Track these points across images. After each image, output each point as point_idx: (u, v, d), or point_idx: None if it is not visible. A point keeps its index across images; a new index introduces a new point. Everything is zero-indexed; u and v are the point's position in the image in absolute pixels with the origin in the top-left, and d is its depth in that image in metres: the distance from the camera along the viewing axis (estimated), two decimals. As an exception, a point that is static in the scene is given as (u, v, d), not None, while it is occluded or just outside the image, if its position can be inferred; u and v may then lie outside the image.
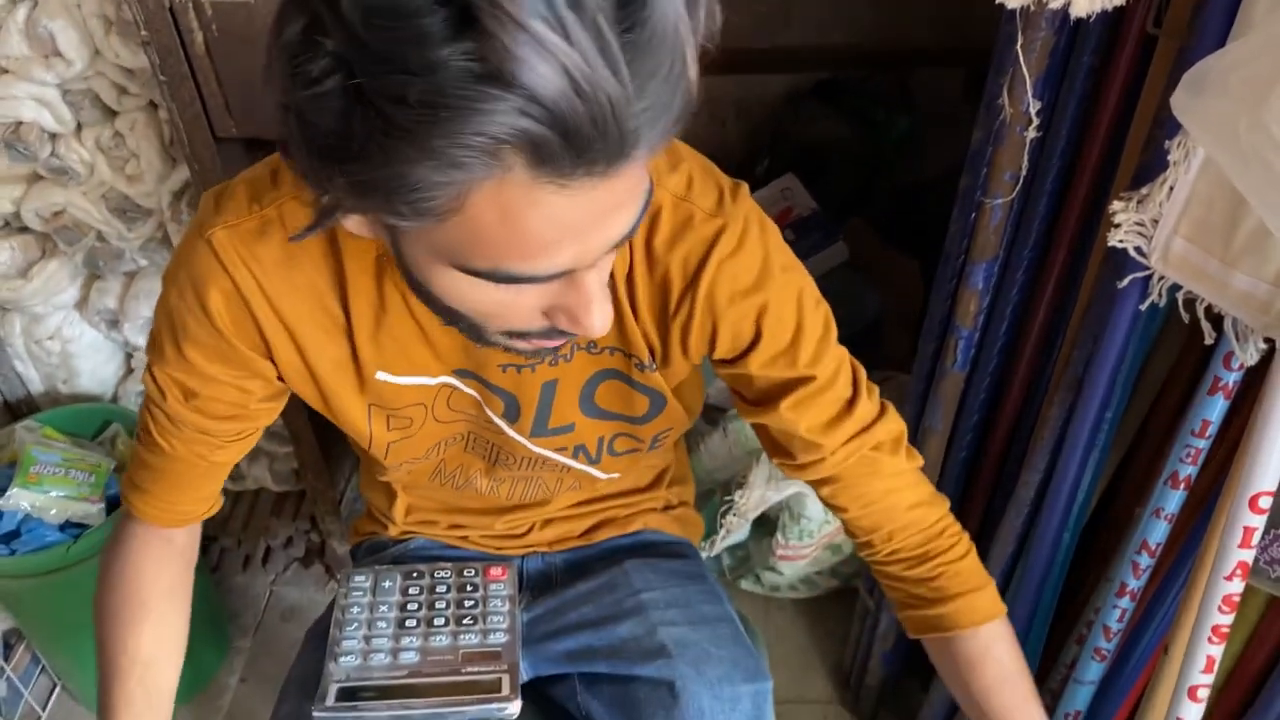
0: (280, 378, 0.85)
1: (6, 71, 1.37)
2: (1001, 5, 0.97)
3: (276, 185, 0.77)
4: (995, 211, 1.12)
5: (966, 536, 0.92)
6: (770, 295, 0.81)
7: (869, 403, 0.87)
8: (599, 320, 0.63)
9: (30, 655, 1.74)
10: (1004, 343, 1.23)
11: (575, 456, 0.97)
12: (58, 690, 1.78)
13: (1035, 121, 1.05)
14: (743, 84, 2.00)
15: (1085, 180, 1.09)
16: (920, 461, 0.91)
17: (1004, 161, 1.09)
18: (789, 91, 2.03)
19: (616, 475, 1.02)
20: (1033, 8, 0.97)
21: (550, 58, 0.45)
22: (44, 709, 1.75)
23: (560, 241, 0.56)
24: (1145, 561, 1.10)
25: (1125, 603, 1.13)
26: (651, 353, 0.86)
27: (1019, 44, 1.01)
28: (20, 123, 1.38)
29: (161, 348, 0.83)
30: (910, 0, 1.82)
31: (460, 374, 0.88)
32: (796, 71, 1.99)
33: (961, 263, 1.19)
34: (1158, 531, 1.08)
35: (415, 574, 1.03)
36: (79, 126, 1.41)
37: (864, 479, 0.88)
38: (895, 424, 0.89)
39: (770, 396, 0.85)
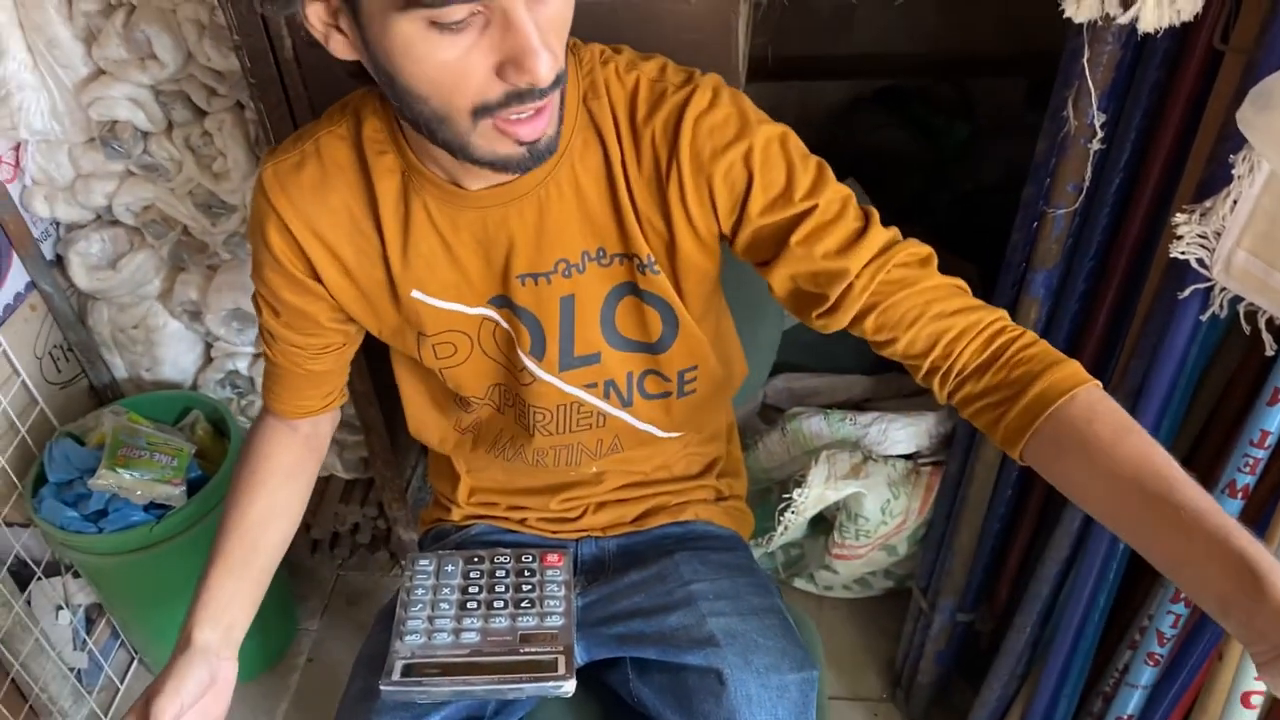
0: (329, 293, 0.95)
1: (105, 73, 1.43)
2: (1068, 19, 1.00)
3: (314, 126, 0.91)
4: (1057, 221, 1.14)
5: (1027, 330, 0.85)
6: (754, 140, 0.86)
7: (884, 231, 0.86)
8: (543, 61, 0.70)
9: (110, 630, 1.81)
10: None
11: (606, 396, 1.01)
12: (135, 664, 1.86)
13: (1099, 134, 1.07)
14: (803, 90, 2.02)
15: (1147, 192, 1.11)
16: (961, 280, 0.87)
17: (1067, 172, 1.11)
18: (849, 98, 2.05)
19: (655, 430, 1.06)
20: (1100, 22, 0.99)
21: None
22: (122, 682, 1.83)
23: None
24: (1200, 568, 1.11)
25: (1180, 608, 1.15)
26: (651, 248, 0.91)
27: (1085, 57, 1.03)
28: (115, 122, 1.45)
29: (254, 269, 0.96)
30: (973, 8, 1.83)
31: (497, 302, 0.95)
32: (857, 79, 2.01)
33: (1022, 270, 1.21)
34: (1213, 538, 1.09)
35: (476, 559, 1.08)
36: (170, 125, 1.48)
37: (900, 296, 0.84)
38: (919, 246, 0.87)
39: (780, 240, 0.86)
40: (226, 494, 1.01)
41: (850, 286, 0.84)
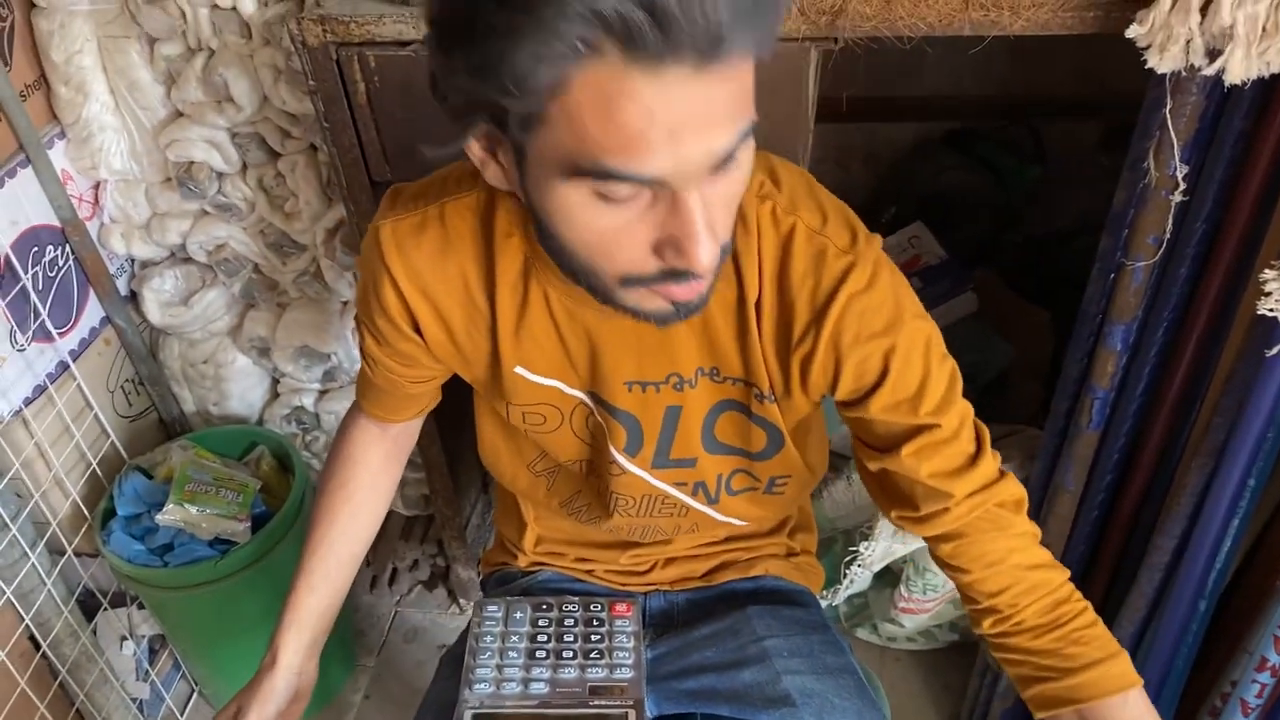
0: (433, 355, 0.94)
1: (182, 115, 1.47)
2: (1151, 69, 0.98)
3: (440, 187, 0.88)
4: (1136, 274, 1.11)
5: (1089, 605, 0.88)
6: (900, 339, 0.82)
7: (992, 461, 0.86)
8: (705, 249, 0.65)
9: (172, 661, 1.83)
10: (1139, 404, 1.21)
11: (694, 495, 0.99)
12: (195, 696, 1.87)
13: (1181, 186, 1.04)
14: (871, 131, 2.01)
15: (1230, 245, 1.08)
16: (1039, 530, 0.89)
17: (1147, 225, 1.08)
18: (918, 139, 2.03)
19: (734, 521, 1.04)
20: (1184, 73, 0.97)
21: None
22: (183, 713, 1.85)
23: (653, 134, 0.59)
24: (1288, 637, 1.07)
25: (1265, 678, 1.10)
26: (771, 384, 0.87)
27: (1167, 108, 1.01)
28: (192, 162, 1.48)
29: (360, 301, 0.96)
30: (1047, 52, 1.80)
31: (593, 396, 0.92)
32: (926, 120, 1.99)
33: (1099, 322, 1.18)
34: (1302, 606, 1.05)
35: (544, 606, 1.07)
36: (244, 166, 1.51)
37: (989, 536, 0.85)
38: (1017, 487, 0.88)
39: (892, 443, 0.85)
40: (315, 500, 1.05)
41: (947, 510, 0.85)
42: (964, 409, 0.86)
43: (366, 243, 0.91)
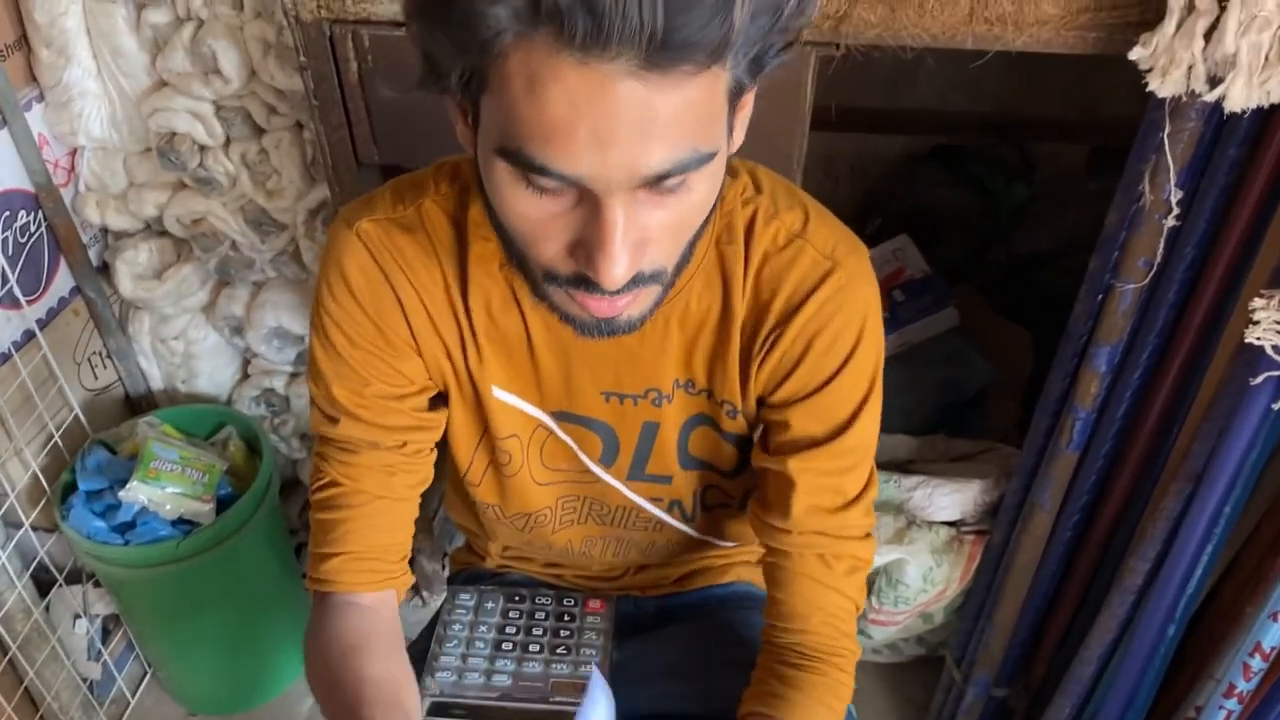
0: (422, 363, 0.86)
1: (167, 85, 1.44)
2: (1150, 93, 0.98)
3: (418, 190, 0.82)
4: (1125, 296, 1.11)
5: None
6: (856, 357, 0.81)
7: (862, 518, 0.87)
8: (615, 266, 0.62)
9: (126, 642, 1.79)
10: (1120, 426, 1.21)
11: (670, 511, 0.98)
12: (147, 678, 1.83)
13: (1175, 211, 1.04)
14: (859, 142, 2.01)
15: (1218, 272, 1.08)
16: (862, 603, 0.91)
17: (1139, 247, 1.08)
18: (906, 153, 2.03)
19: (712, 540, 1.03)
20: (1184, 98, 0.97)
21: None
22: (133, 695, 1.81)
23: (575, 131, 0.56)
24: (1258, 664, 1.07)
25: (1233, 704, 1.11)
26: (739, 397, 0.86)
27: (1166, 132, 1.01)
28: (175, 133, 1.45)
29: (318, 365, 0.85)
30: (1037, 71, 1.81)
31: (559, 416, 0.89)
32: (915, 134, 2.00)
33: (1084, 343, 1.19)
34: (1273, 635, 1.06)
35: (517, 597, 1.05)
36: (228, 141, 1.48)
37: (813, 579, 0.87)
38: (868, 553, 0.89)
39: (790, 449, 0.84)
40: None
41: (788, 532, 0.86)
42: (868, 452, 0.86)
43: (331, 249, 0.82)
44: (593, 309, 0.68)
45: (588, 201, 0.61)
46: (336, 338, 0.83)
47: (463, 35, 0.55)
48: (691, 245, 0.70)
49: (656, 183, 0.59)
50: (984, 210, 1.90)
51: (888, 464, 1.52)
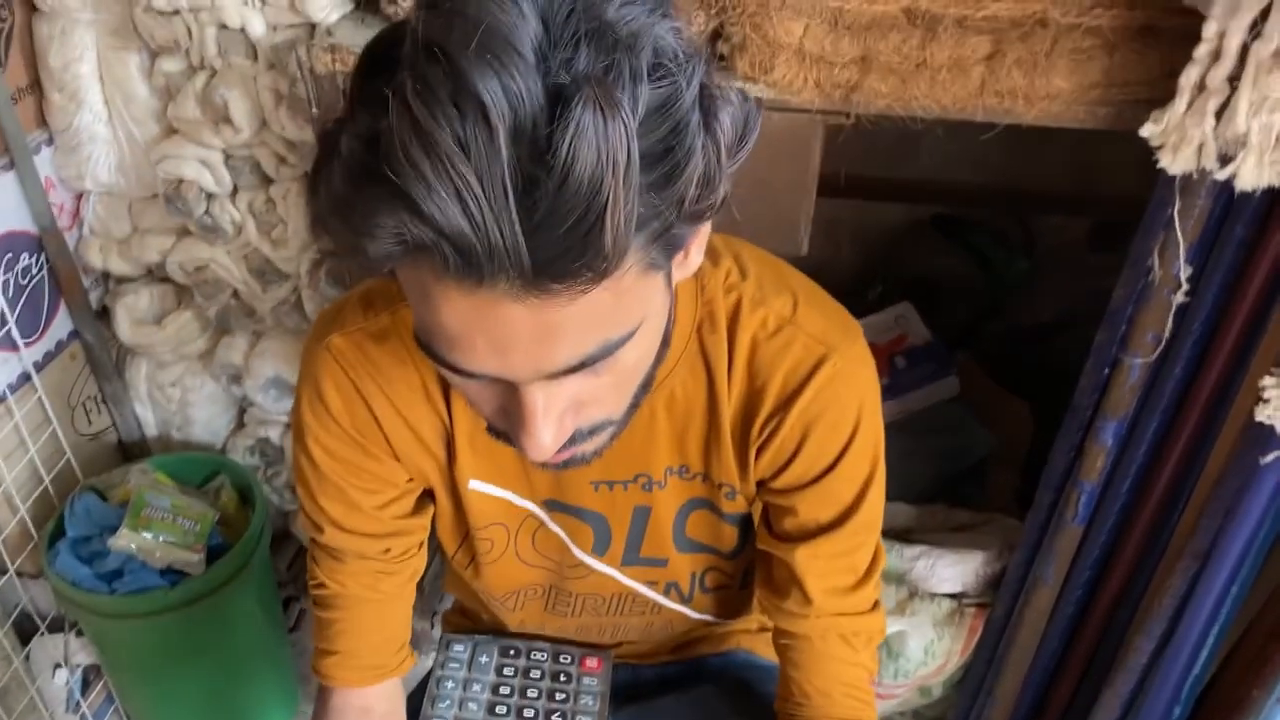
0: (403, 468, 0.87)
1: (176, 132, 1.44)
2: (1159, 170, 0.99)
3: (389, 295, 0.81)
4: (1134, 370, 1.11)
5: None
6: (858, 438, 0.81)
7: (873, 591, 0.88)
8: (534, 446, 0.61)
9: (105, 694, 1.75)
10: (1125, 501, 1.20)
11: (667, 594, 0.96)
12: (126, 732, 1.79)
13: (1185, 287, 1.04)
14: (861, 209, 2.01)
15: (1226, 348, 1.08)
16: (876, 668, 0.92)
17: (1148, 322, 1.08)
18: (907, 221, 2.04)
19: (708, 618, 1.02)
20: (1195, 175, 0.98)
21: (449, 186, 0.47)
22: (111, 749, 1.77)
23: (473, 342, 0.55)
24: (1265, 749, 1.06)
25: (1239, 790, 1.09)
26: (737, 479, 0.85)
27: (1175, 209, 1.02)
28: (182, 180, 1.44)
29: (303, 474, 0.87)
30: (1042, 145, 1.83)
31: (550, 505, 0.89)
32: (917, 203, 2.01)
33: (1090, 416, 1.18)
34: (1281, 719, 1.04)
35: (512, 651, 1.03)
36: (235, 189, 1.48)
37: (829, 657, 0.88)
38: (880, 623, 0.91)
39: (797, 535, 0.85)
40: None
41: (806, 618, 0.87)
42: (875, 527, 0.86)
43: (306, 369, 0.83)
44: (536, 461, 0.66)
45: (509, 383, 0.60)
46: (316, 451, 0.84)
47: (355, 256, 0.53)
48: (646, 383, 0.68)
49: (573, 370, 0.58)
50: (984, 281, 1.90)
51: (888, 532, 1.50)
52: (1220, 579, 1.08)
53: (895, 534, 1.51)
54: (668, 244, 0.56)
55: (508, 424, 0.64)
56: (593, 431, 0.67)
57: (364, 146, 0.50)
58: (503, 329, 0.54)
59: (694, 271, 0.68)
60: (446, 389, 0.82)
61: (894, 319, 1.73)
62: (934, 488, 1.60)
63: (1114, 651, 1.25)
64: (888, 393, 1.38)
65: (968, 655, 1.49)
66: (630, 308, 0.58)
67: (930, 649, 1.45)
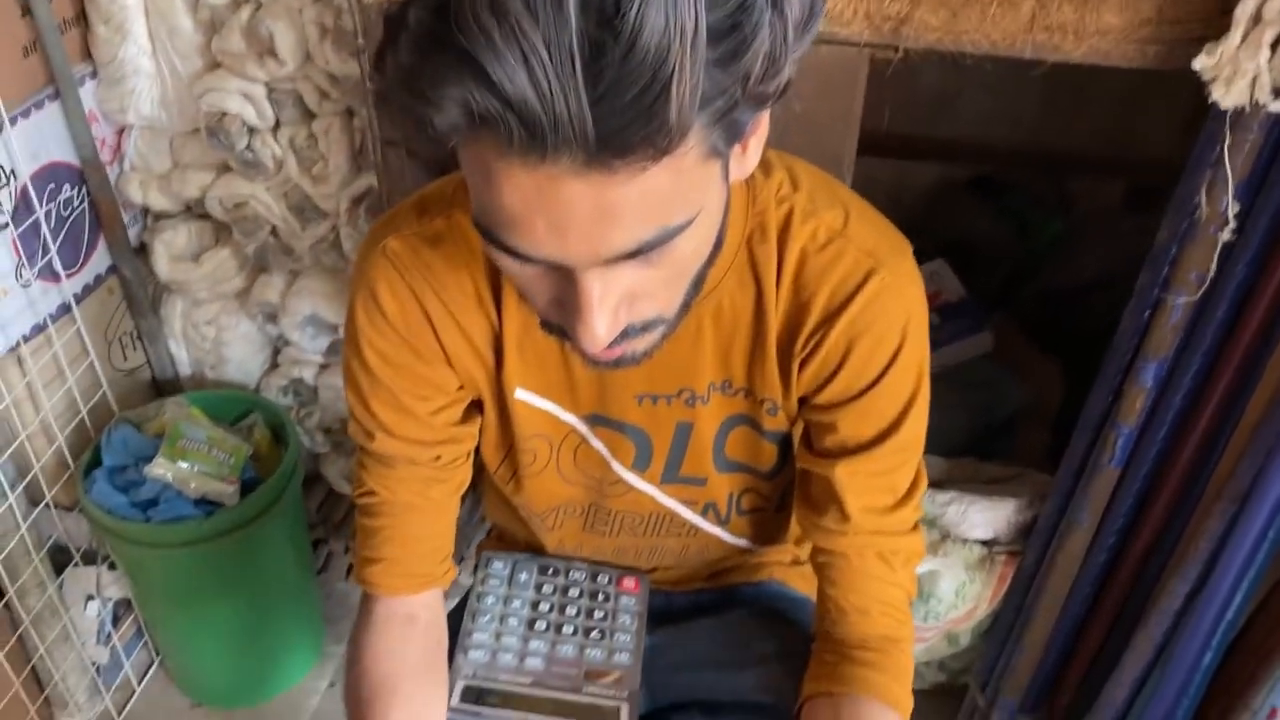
0: (454, 374, 0.87)
1: (220, 66, 1.45)
2: (1209, 107, 0.98)
3: (444, 200, 0.82)
4: (1176, 310, 1.10)
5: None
6: (903, 355, 0.80)
7: (913, 513, 0.88)
8: (589, 334, 0.62)
9: (135, 628, 1.77)
10: (1161, 445, 1.20)
11: (705, 514, 0.97)
12: (155, 666, 1.81)
13: (1232, 224, 1.04)
14: (898, 170, 2.01)
15: (1270, 290, 1.07)
16: (914, 590, 0.92)
17: (1192, 260, 1.08)
18: (943, 182, 2.04)
19: (743, 543, 1.02)
20: (1247, 109, 0.97)
21: (517, 52, 0.47)
22: (139, 683, 1.79)
23: (533, 222, 0.56)
24: (1299, 691, 1.05)
25: (1274, 729, 1.08)
26: (779, 394, 0.85)
27: (1225, 143, 1.01)
28: (225, 114, 1.45)
29: (355, 380, 0.86)
30: (1077, 105, 1.82)
31: (593, 420, 0.89)
32: (953, 162, 2.00)
33: (1130, 359, 1.18)
34: (1316, 660, 1.04)
35: (551, 570, 1.04)
36: (277, 124, 1.48)
37: (867, 574, 0.88)
38: (919, 544, 0.90)
39: (837, 452, 0.84)
40: (352, 711, 0.90)
41: (844, 535, 0.87)
42: (917, 448, 0.86)
43: (361, 270, 0.83)
44: (588, 354, 0.68)
45: (566, 269, 0.60)
46: (370, 356, 0.84)
47: (421, 130, 0.54)
48: (697, 283, 0.69)
49: (630, 256, 0.59)
50: (1019, 243, 1.90)
51: (919, 481, 1.51)
52: (1258, 522, 1.07)
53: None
54: (729, 128, 0.56)
55: (562, 315, 0.65)
56: (645, 328, 0.67)
57: (433, 15, 0.51)
58: (563, 209, 0.54)
59: (750, 172, 0.68)
60: (498, 294, 0.82)
61: (928, 275, 1.73)
62: (965, 441, 1.60)
63: (1145, 598, 1.25)
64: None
65: (997, 603, 1.49)
66: (688, 195, 0.58)
67: (961, 591, 1.45)
